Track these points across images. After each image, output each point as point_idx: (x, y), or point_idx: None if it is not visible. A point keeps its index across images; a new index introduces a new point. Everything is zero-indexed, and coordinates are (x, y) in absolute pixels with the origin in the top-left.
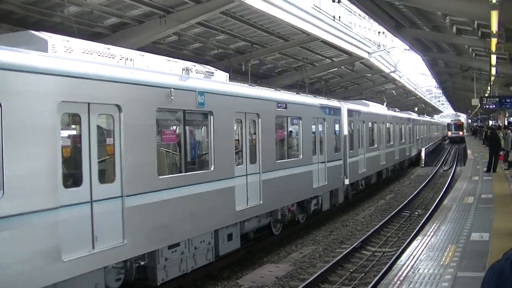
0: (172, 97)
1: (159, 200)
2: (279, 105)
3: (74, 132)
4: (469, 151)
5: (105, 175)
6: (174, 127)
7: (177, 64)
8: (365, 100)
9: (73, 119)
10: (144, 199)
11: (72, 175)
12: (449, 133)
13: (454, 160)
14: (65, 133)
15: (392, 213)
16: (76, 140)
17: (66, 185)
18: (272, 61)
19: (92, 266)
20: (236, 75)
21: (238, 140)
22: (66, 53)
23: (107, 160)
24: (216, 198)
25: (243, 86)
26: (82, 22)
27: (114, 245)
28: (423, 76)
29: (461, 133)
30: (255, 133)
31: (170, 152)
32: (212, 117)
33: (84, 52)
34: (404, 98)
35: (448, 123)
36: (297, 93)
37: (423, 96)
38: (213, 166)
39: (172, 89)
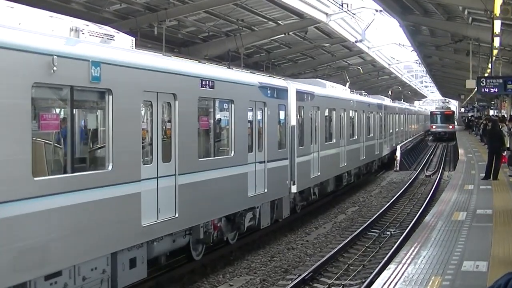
0: (54, 68)
1: (31, 211)
2: (204, 83)
3: None
4: (461, 151)
5: None
6: (58, 110)
7: (62, 22)
8: (321, 79)
9: None
10: (12, 209)
11: None
12: (433, 126)
13: (440, 162)
14: None
15: (355, 233)
16: None
17: None
18: (195, 22)
19: None
20: (146, 40)
21: (147, 130)
22: None
23: None
24: (115, 208)
25: (155, 56)
26: None
27: None
28: (400, 48)
29: (450, 126)
30: (170, 121)
31: (51, 144)
32: (111, 97)
33: None
34: (374, 78)
35: (431, 112)
36: (228, 67)
37: (400, 75)
38: (111, 164)
39: (55, 56)
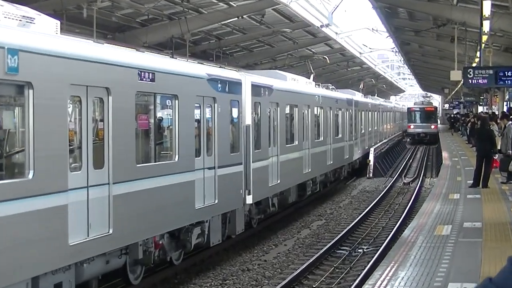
0: None
1: None
2: (143, 75)
3: None
4: (445, 154)
5: None
6: None
7: None
8: (281, 70)
9: None
10: None
11: None
12: (411, 126)
13: (421, 168)
14: None
15: (322, 251)
16: None
17: None
18: (132, 3)
19: None
20: (73, 24)
21: (75, 130)
22: None
23: None
24: (36, 224)
25: (84, 43)
26: None
27: None
28: (374, 33)
29: (432, 126)
30: (102, 120)
31: None
32: (31, 91)
33: None
34: (343, 69)
35: (408, 109)
36: (172, 57)
37: (373, 66)
38: (31, 172)
39: None
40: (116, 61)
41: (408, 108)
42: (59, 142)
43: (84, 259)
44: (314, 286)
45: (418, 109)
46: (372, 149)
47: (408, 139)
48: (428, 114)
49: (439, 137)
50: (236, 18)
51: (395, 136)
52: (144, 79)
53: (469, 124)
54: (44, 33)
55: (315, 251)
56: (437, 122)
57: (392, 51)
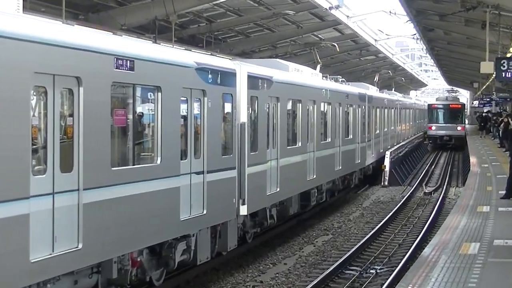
0: None
1: None
2: (120, 63)
3: None
4: (473, 159)
5: None
6: None
7: None
8: (283, 59)
9: None
10: None
11: None
12: (432, 127)
13: (444, 175)
14: None
15: (328, 271)
16: None
17: None
18: None
19: None
20: (38, 2)
21: (39, 127)
22: None
23: None
24: None
25: (51, 24)
26: None
27: None
28: (391, 17)
29: (459, 127)
30: (72, 115)
31: None
32: None
33: None
34: (355, 58)
35: (429, 106)
36: (154, 42)
37: (390, 56)
38: None
39: None
40: (88, 46)
41: (428, 105)
42: (19, 140)
43: (48, 278)
44: None
45: (441, 106)
46: (388, 153)
47: (429, 143)
48: (454, 113)
49: (467, 141)
50: None
51: (415, 137)
52: (121, 68)
53: (502, 124)
54: (1, 11)
55: (319, 271)
56: (464, 122)
57: (413, 38)
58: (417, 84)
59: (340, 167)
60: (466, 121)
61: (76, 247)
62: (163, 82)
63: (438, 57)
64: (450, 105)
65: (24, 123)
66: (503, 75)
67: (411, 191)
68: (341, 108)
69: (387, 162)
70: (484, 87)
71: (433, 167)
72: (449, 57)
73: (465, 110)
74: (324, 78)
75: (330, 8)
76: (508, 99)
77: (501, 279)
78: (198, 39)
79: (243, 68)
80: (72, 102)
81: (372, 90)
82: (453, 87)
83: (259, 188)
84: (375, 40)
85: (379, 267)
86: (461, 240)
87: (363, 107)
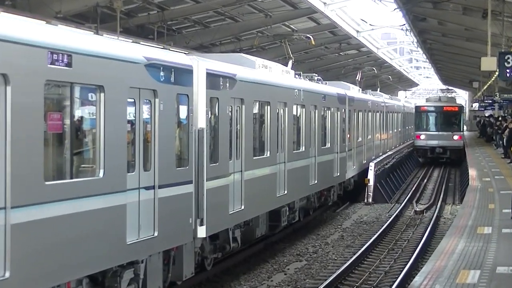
0: None
1: None
2: (56, 57)
3: None
4: (472, 172)
5: None
6: None
7: None
8: (248, 54)
9: None
10: None
11: None
12: (421, 136)
13: (439, 191)
14: None
15: None
16: None
17: None
18: None
19: None
20: None
21: None
22: None
23: None
24: None
25: None
26: None
27: None
28: (376, 5)
29: (455, 136)
30: None
31: None
32: None
33: None
34: (333, 53)
35: (417, 109)
36: (96, 33)
37: (375, 50)
38: None
39: None
40: (16, 37)
41: (416, 107)
42: None
43: None
44: None
45: (432, 108)
46: (372, 165)
47: (419, 156)
48: (449, 117)
49: (466, 153)
50: None
51: (404, 146)
52: (56, 64)
53: (506, 131)
54: None
55: None
56: (462, 129)
57: (402, 29)
58: (407, 83)
59: (316, 181)
60: (464, 127)
61: (2, 276)
62: (106, 80)
63: (431, 51)
64: (445, 108)
65: None
66: (507, 73)
67: (399, 209)
68: (317, 111)
69: (371, 176)
70: (486, 87)
71: (425, 181)
72: (444, 52)
73: (464, 113)
74: (297, 76)
75: None
76: None
77: None
78: (148, 30)
79: (201, 64)
80: None
81: (353, 91)
82: (449, 87)
83: (220, 205)
84: (357, 31)
85: None
86: (458, 267)
87: (343, 110)
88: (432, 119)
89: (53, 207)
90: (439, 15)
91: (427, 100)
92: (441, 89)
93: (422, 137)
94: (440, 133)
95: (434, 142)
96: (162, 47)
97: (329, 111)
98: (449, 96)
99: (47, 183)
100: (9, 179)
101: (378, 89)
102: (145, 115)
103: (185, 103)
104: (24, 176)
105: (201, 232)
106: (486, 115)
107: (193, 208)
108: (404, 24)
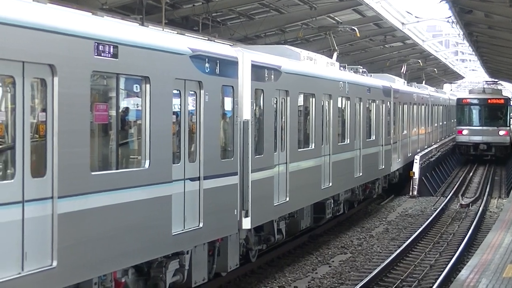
0: None
1: None
2: (101, 48)
3: None
4: None
5: None
6: None
7: None
8: (293, 45)
9: None
10: None
11: None
12: (463, 131)
13: (485, 184)
14: None
15: None
16: None
17: None
18: None
19: None
20: None
21: (5, 123)
22: None
23: None
24: None
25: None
26: None
27: None
28: None
29: (501, 132)
30: (45, 110)
31: None
32: None
33: None
34: (378, 46)
35: (459, 102)
36: (142, 25)
37: (420, 42)
38: None
39: None
40: (63, 28)
41: (458, 100)
42: None
43: None
44: None
45: (476, 101)
46: (417, 157)
47: (462, 152)
48: (494, 111)
49: None
50: None
51: (449, 139)
52: (103, 54)
53: None
54: None
55: None
56: (508, 124)
57: (448, 21)
58: (452, 76)
59: (361, 174)
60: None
61: (50, 266)
62: (152, 71)
63: (478, 44)
64: (489, 100)
65: None
66: None
67: (444, 202)
68: (361, 104)
69: (416, 168)
70: None
71: (471, 174)
72: (490, 44)
73: (510, 107)
74: (341, 68)
75: None
76: None
77: None
78: (193, 22)
79: (246, 56)
80: (45, 94)
81: (398, 83)
82: (496, 80)
83: (265, 197)
84: (402, 23)
85: None
86: (505, 261)
87: (388, 103)
88: (475, 112)
89: (99, 197)
90: (485, 7)
91: (470, 92)
92: (486, 81)
93: (465, 132)
94: (485, 128)
95: (477, 138)
96: (207, 38)
97: (374, 104)
98: (494, 87)
99: (93, 173)
100: (56, 169)
101: (423, 82)
102: (190, 106)
103: (230, 94)
104: (70, 167)
105: (246, 223)
106: None
107: (238, 200)
108: (450, 16)
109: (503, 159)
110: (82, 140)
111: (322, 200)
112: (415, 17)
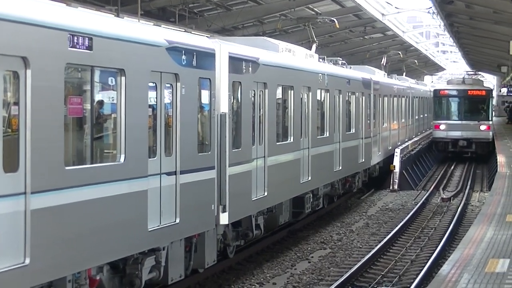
0: None
1: None
2: (76, 40)
3: None
4: (501, 159)
5: None
6: None
7: None
8: (271, 37)
9: None
10: None
11: None
12: (440, 125)
13: (466, 178)
14: None
15: None
16: None
17: None
18: None
19: None
20: None
21: None
22: None
23: None
24: None
25: None
26: None
27: None
28: None
29: (482, 126)
30: (17, 103)
31: None
32: None
33: None
34: (358, 37)
35: (436, 93)
36: (117, 16)
37: (400, 34)
38: None
39: None
40: (36, 19)
41: (435, 91)
42: None
43: None
44: None
45: (455, 93)
46: (398, 151)
47: (439, 149)
48: (475, 103)
49: (495, 144)
50: None
51: (430, 132)
52: (77, 46)
53: None
54: None
55: None
56: (490, 118)
57: (428, 12)
58: (433, 68)
59: (340, 168)
60: (493, 114)
61: (23, 263)
62: (127, 64)
63: (459, 35)
64: (469, 92)
65: None
66: None
67: (425, 196)
68: (341, 96)
69: (396, 162)
70: None
71: (452, 167)
72: (471, 35)
73: (491, 99)
74: (321, 60)
75: None
76: None
77: None
78: (170, 13)
79: (223, 48)
80: (18, 87)
81: (378, 75)
82: (476, 71)
83: (242, 192)
84: (382, 14)
85: (388, 287)
86: (487, 256)
87: (368, 95)
88: (454, 105)
89: (73, 192)
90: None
91: (449, 82)
92: (467, 71)
93: (442, 127)
94: (464, 122)
95: (456, 134)
96: (183, 30)
97: (354, 96)
98: (474, 78)
99: (67, 168)
100: (29, 164)
101: (404, 74)
102: (167, 99)
103: (207, 87)
104: (44, 161)
105: (224, 219)
106: None
107: (215, 195)
108: (431, 7)
109: (484, 156)
110: (55, 134)
111: (301, 194)
112: (395, 7)
